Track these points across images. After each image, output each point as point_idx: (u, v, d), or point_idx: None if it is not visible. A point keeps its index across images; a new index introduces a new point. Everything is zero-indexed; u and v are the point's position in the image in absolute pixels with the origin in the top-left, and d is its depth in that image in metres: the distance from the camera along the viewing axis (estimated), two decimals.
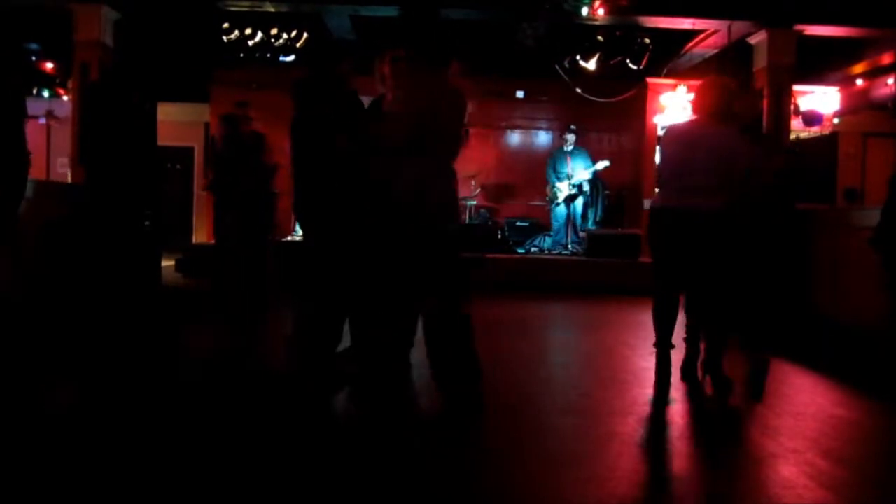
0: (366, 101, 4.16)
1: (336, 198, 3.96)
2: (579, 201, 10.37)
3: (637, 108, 11.37)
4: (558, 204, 10.35)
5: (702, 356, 4.17)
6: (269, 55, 10.46)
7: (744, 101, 4.26)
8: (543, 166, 10.81)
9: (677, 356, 4.28)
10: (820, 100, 11.31)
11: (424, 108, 3.35)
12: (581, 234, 10.30)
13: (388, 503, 2.50)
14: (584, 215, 10.64)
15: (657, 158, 11.13)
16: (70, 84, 10.39)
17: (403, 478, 2.70)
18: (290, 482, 2.60)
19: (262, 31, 10.23)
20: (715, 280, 4.03)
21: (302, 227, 4.25)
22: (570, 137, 10.49)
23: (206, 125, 12.41)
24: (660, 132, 11.19)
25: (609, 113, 11.41)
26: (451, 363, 3.39)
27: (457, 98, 3.48)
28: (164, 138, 8.39)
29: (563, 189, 10.25)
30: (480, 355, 3.46)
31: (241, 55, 10.45)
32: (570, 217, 10.41)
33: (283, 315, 5.50)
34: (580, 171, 10.18)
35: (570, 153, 10.36)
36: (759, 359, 4.22)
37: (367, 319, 4.13)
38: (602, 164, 10.19)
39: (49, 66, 11.77)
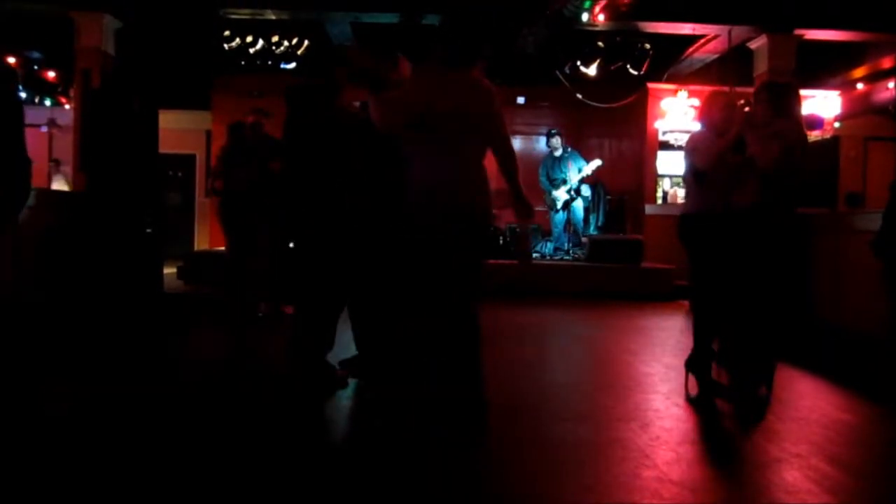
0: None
1: (324, 200, 4.04)
2: (579, 205, 10.29)
3: (638, 114, 11.37)
4: (557, 211, 10.28)
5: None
6: (270, 62, 10.48)
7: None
8: None
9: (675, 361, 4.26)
10: (821, 104, 11.31)
11: (429, 98, 3.16)
12: (583, 239, 10.26)
13: None
14: (586, 220, 10.58)
15: (658, 164, 11.24)
16: (72, 92, 10.43)
17: (404, 482, 2.70)
18: (289, 484, 2.59)
19: (263, 39, 10.26)
20: (697, 282, 4.12)
21: (289, 230, 4.29)
22: (556, 142, 10.22)
23: (208, 133, 12.45)
24: (661, 137, 11.22)
25: (610, 118, 11.43)
26: (454, 366, 3.29)
27: (483, 93, 3.26)
28: (166, 146, 8.40)
29: (561, 195, 10.15)
30: (483, 360, 3.38)
31: (243, 63, 10.48)
32: (569, 222, 10.35)
33: (287, 319, 5.52)
34: (575, 173, 10.11)
35: (563, 157, 10.16)
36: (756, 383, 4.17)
37: (367, 322, 4.16)
38: (594, 164, 10.01)
39: (51, 74, 11.82)
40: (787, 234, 4.05)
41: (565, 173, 10.07)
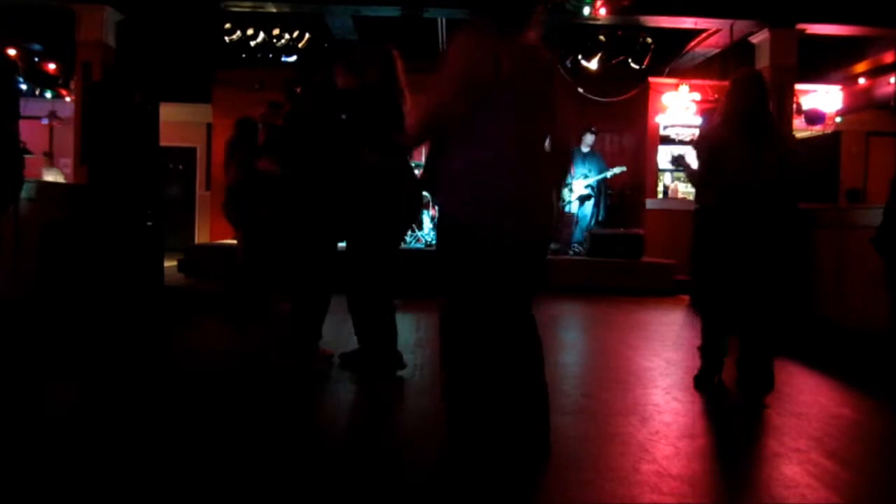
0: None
1: (318, 197, 4.07)
2: (589, 203, 10.28)
3: (639, 108, 11.35)
4: (568, 202, 10.24)
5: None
6: (271, 55, 10.48)
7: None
8: None
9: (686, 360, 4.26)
10: (822, 99, 11.29)
11: (488, 69, 2.59)
12: (584, 233, 10.25)
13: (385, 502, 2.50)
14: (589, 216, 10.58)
15: (658, 158, 11.22)
16: (72, 84, 10.41)
17: (401, 475, 2.71)
18: (286, 478, 2.60)
19: (264, 32, 10.26)
20: (700, 275, 4.14)
21: (281, 220, 4.34)
22: (589, 139, 10.23)
23: (209, 126, 12.45)
24: (662, 132, 11.19)
25: (611, 112, 11.40)
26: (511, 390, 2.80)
27: (543, 63, 2.73)
28: (167, 139, 8.41)
29: (577, 188, 10.12)
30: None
31: (244, 56, 10.48)
32: (573, 218, 10.32)
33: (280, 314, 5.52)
34: (595, 172, 10.10)
35: (589, 155, 10.19)
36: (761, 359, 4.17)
37: (367, 316, 4.17)
38: (618, 169, 10.04)
39: (52, 66, 11.80)
40: (745, 234, 3.95)
41: (587, 168, 10.08)
